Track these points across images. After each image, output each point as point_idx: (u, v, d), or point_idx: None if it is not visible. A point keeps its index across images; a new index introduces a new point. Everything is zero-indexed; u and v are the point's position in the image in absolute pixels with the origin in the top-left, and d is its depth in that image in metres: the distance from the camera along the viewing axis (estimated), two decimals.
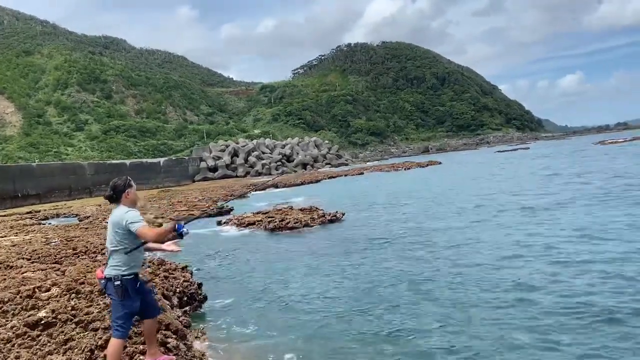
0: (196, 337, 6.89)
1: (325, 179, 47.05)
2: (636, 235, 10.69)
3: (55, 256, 11.36)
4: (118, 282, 4.58)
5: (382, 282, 9.19)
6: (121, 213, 4.65)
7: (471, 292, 7.90)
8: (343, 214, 18.66)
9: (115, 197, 4.77)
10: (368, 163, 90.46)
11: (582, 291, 7.46)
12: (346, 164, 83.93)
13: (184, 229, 4.62)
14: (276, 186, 42.29)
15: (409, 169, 51.93)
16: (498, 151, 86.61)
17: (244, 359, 6.30)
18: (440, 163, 58.23)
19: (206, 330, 7.34)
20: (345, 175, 48.83)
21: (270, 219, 18.22)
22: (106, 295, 4.77)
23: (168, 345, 5.46)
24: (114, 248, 4.64)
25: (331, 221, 17.68)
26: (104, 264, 4.81)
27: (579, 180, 23.92)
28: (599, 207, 15.24)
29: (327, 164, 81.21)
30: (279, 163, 76.17)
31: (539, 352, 5.53)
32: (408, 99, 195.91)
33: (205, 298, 8.98)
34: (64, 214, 27.04)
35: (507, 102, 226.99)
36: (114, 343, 4.65)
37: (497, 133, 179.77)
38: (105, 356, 4.97)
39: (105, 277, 4.63)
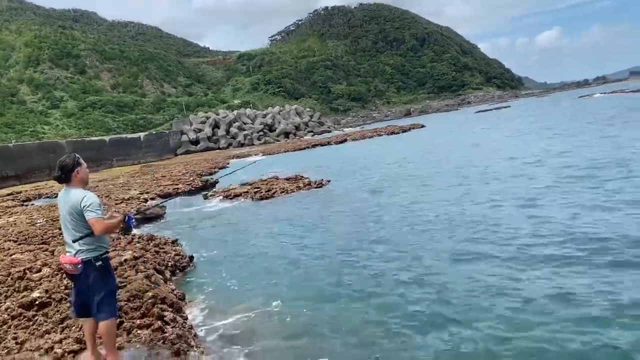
0: (189, 304, 7.05)
1: (308, 147, 46.95)
2: None
3: (42, 237, 11.30)
4: (100, 263, 4.42)
5: (363, 239, 9.71)
6: (77, 198, 4.35)
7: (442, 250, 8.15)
8: (328, 181, 18.77)
9: (64, 178, 4.45)
10: (350, 129, 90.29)
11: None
12: (329, 131, 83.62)
13: (133, 222, 4.55)
14: (259, 155, 42.19)
15: (392, 133, 51.89)
16: (479, 111, 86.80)
17: (235, 313, 6.67)
18: (423, 126, 58.24)
19: (198, 293, 7.69)
20: (329, 143, 48.72)
21: (256, 190, 18.26)
22: (84, 280, 4.38)
23: (165, 319, 5.53)
24: (78, 232, 4.37)
25: (316, 189, 17.79)
26: (67, 251, 4.50)
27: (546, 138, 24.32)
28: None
29: (309, 131, 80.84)
30: (260, 133, 75.61)
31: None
32: (388, 62, 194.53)
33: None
34: (46, 194, 26.70)
35: (487, 60, 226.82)
36: (109, 324, 4.45)
37: (477, 92, 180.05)
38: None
39: (82, 262, 4.35)
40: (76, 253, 4.39)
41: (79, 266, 4.37)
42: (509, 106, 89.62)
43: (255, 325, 6.25)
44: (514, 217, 9.82)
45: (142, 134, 63.55)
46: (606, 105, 47.19)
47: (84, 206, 4.29)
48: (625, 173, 12.39)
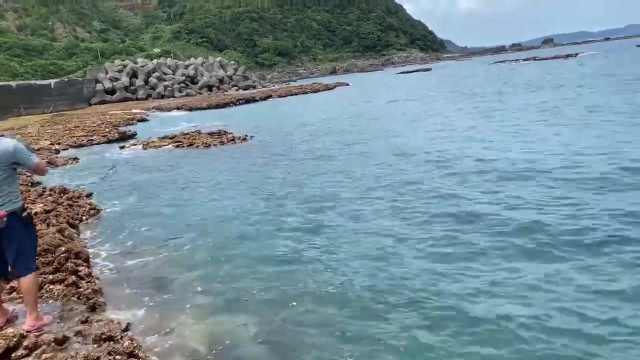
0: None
1: (232, 102, 45.82)
2: None
3: None
4: (26, 212, 4.27)
5: (276, 189, 10.37)
6: (8, 145, 4.11)
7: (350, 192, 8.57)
8: (252, 137, 18.64)
9: None
10: (276, 85, 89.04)
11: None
12: (254, 87, 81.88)
13: None
14: (180, 109, 40.83)
15: (317, 91, 51.96)
16: (402, 72, 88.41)
17: (143, 255, 6.81)
18: (347, 84, 58.69)
19: (107, 240, 7.67)
20: (254, 99, 47.84)
21: (177, 143, 17.83)
22: (7, 234, 4.09)
23: (80, 274, 5.41)
24: (5, 184, 4.10)
25: (240, 144, 17.64)
26: None
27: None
28: None
29: (233, 86, 78.78)
30: (182, 85, 72.73)
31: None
32: (315, 18, 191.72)
33: None
34: None
35: (412, 22, 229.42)
36: (32, 278, 4.27)
37: (401, 53, 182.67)
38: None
39: (8, 213, 4.08)
40: None
41: (4, 219, 4.08)
42: (430, 69, 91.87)
43: (162, 265, 6.44)
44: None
45: (53, 81, 59.10)
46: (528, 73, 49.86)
47: (20, 154, 4.13)
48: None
